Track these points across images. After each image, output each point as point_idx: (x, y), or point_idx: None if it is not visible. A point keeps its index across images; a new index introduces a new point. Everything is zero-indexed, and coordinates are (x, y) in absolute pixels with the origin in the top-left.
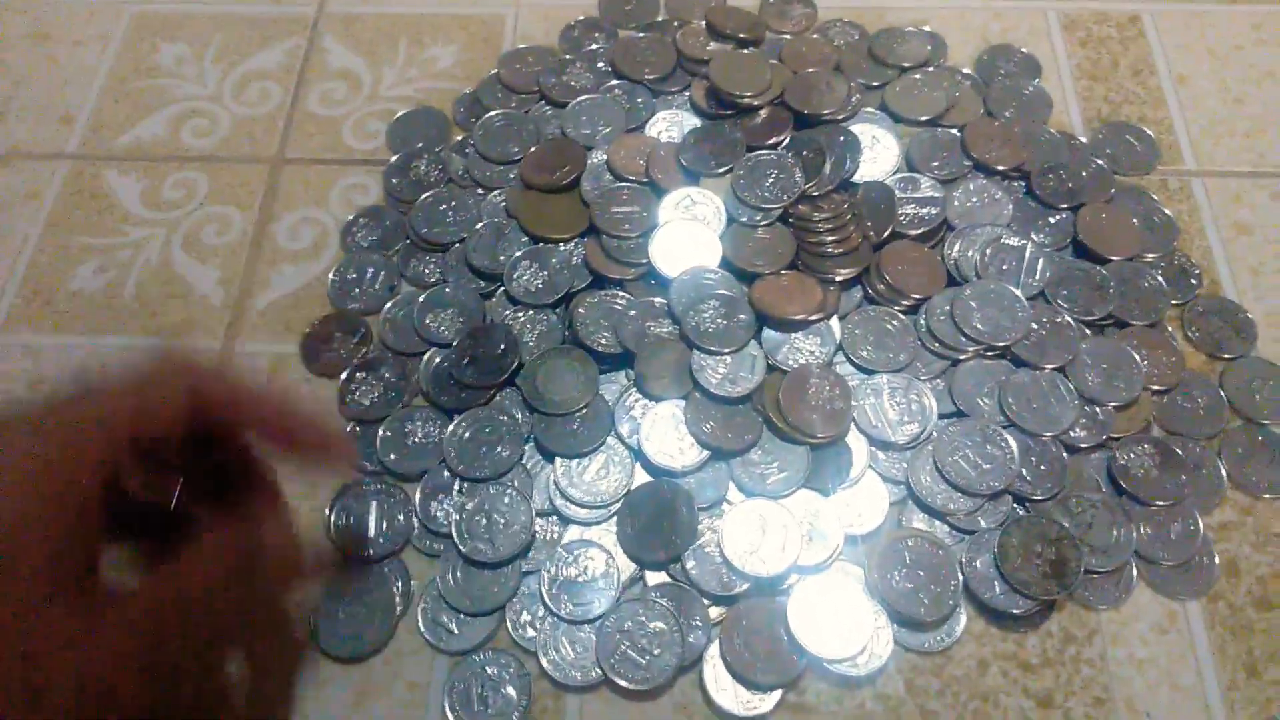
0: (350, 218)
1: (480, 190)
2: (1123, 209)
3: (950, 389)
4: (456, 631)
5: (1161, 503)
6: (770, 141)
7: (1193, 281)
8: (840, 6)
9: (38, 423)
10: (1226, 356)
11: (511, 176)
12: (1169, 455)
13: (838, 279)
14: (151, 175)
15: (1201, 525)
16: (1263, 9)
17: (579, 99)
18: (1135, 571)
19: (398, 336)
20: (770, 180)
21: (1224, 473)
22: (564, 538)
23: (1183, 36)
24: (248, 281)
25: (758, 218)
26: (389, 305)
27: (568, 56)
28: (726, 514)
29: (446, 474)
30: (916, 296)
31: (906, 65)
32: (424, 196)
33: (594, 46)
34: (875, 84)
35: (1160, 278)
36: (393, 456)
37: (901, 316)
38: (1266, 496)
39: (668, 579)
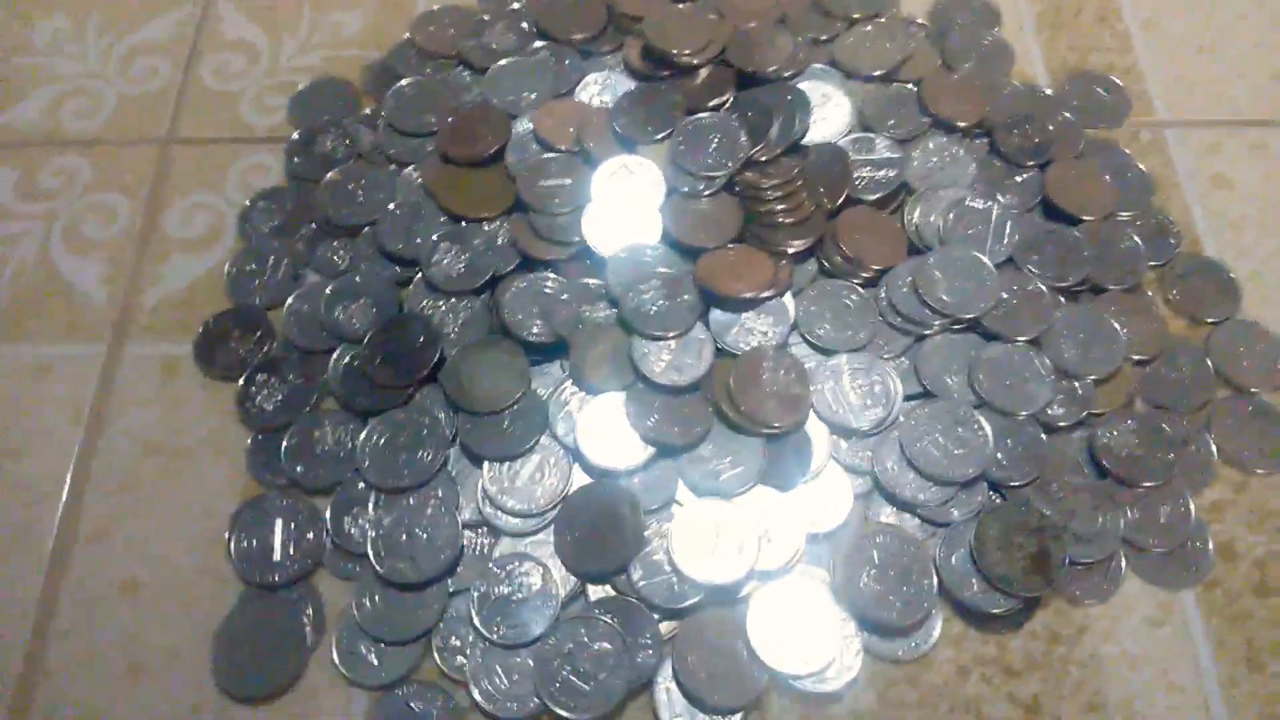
0: (248, 201)
1: (393, 166)
2: (1094, 165)
3: (916, 368)
4: (376, 663)
5: (1148, 484)
6: (712, 103)
7: (1171, 241)
8: None
9: None
10: (1210, 320)
11: (428, 150)
12: (1154, 431)
13: (790, 251)
14: (26, 162)
15: (1193, 507)
16: None
17: (500, 62)
18: (1124, 561)
19: (303, 332)
20: (713, 146)
21: (1214, 448)
22: (495, 551)
23: None
24: (136, 277)
25: (700, 187)
26: (293, 297)
27: (487, 17)
28: (675, 517)
29: (361, 485)
30: (876, 267)
31: (856, 16)
32: (330, 175)
33: (516, 5)
34: (823, 37)
35: (1137, 238)
36: (299, 468)
37: (860, 290)
38: (1260, 471)
39: (612, 592)
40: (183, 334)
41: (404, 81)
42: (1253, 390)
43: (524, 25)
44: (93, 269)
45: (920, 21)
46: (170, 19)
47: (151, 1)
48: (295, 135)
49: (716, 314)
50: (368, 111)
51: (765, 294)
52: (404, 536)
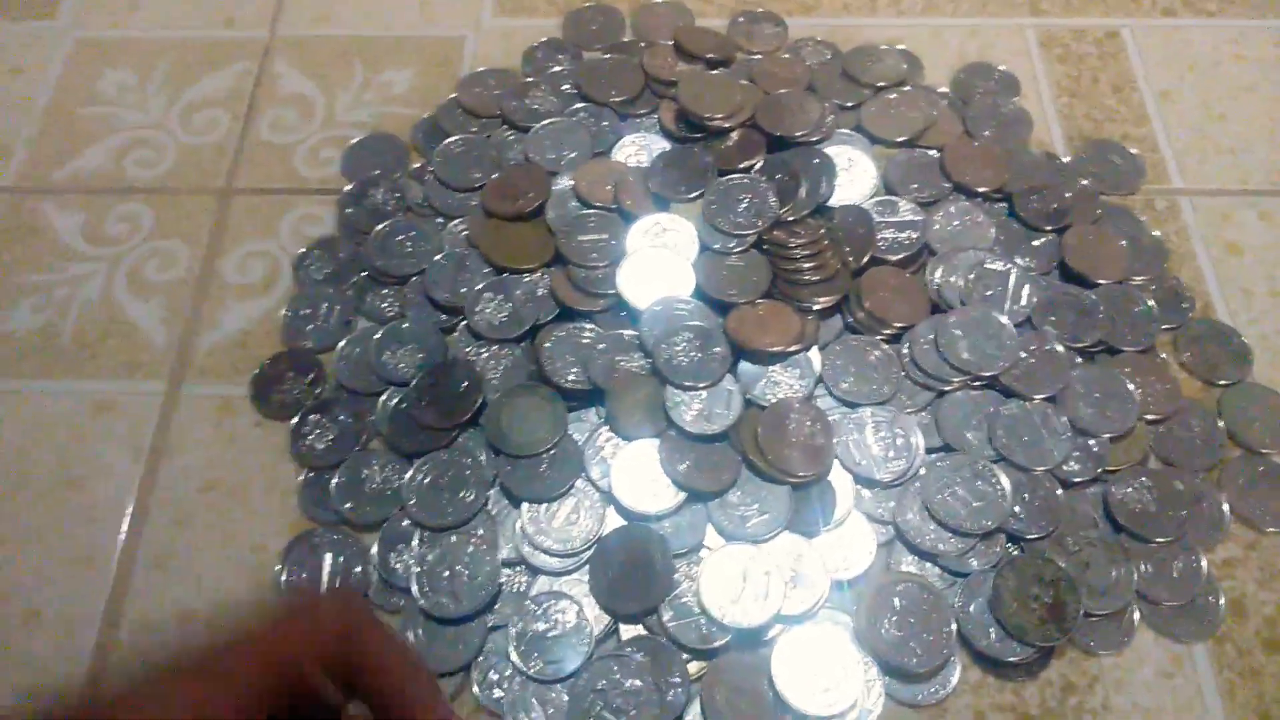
0: (302, 250)
1: (440, 219)
2: (1110, 230)
3: (937, 422)
4: None
5: (1161, 539)
6: (742, 165)
7: (1185, 305)
8: (811, 25)
9: (206, 667)
10: (1223, 383)
11: (473, 204)
12: (1167, 488)
13: (816, 307)
14: (93, 208)
15: (1204, 562)
16: (1240, 23)
17: (543, 122)
18: (1137, 613)
19: (353, 375)
20: (743, 205)
21: (1225, 506)
22: (532, 589)
23: (1163, 52)
24: (194, 319)
25: (731, 244)
26: (344, 342)
27: (530, 79)
28: (704, 560)
29: (406, 522)
30: (899, 325)
31: (881, 85)
32: (380, 227)
33: (558, 68)
34: (850, 104)
35: (1151, 301)
36: (348, 505)
37: (884, 346)
38: (1271, 530)
39: (644, 632)
40: (238, 375)
41: (451, 139)
42: (1263, 451)
43: (565, 88)
44: (153, 311)
45: (943, 90)
46: (229, 73)
47: (211, 57)
48: (347, 188)
49: (745, 366)
50: (416, 166)
51: (792, 348)
52: (446, 573)
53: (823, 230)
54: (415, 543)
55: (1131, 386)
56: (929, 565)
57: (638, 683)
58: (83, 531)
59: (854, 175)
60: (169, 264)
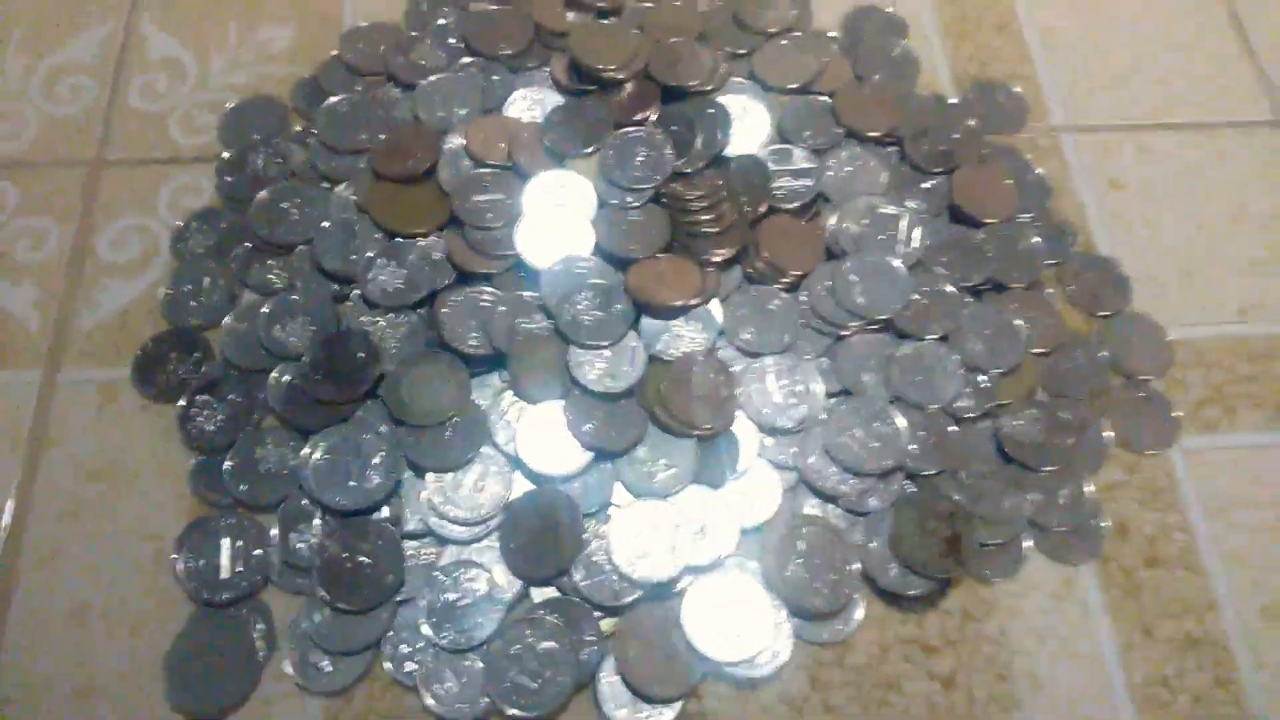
0: (181, 223)
1: (326, 184)
2: (995, 170)
3: (835, 366)
4: (330, 670)
5: (1049, 468)
6: (638, 117)
7: (1068, 240)
8: None
9: None
10: (1104, 314)
11: (360, 167)
12: (1054, 419)
13: (716, 260)
14: None
15: (1090, 487)
16: None
17: (430, 79)
18: (1028, 541)
19: (242, 351)
20: (640, 159)
21: (1107, 433)
22: (441, 559)
23: None
24: (69, 301)
25: (629, 199)
26: (230, 317)
27: (415, 33)
28: (613, 518)
29: (305, 501)
30: (796, 273)
31: (773, 30)
32: (262, 194)
33: (443, 21)
34: (741, 52)
35: (1036, 238)
36: (244, 487)
37: (783, 295)
38: (1150, 453)
39: (556, 594)
40: (119, 358)
41: (335, 99)
42: (1143, 378)
43: (451, 41)
44: (24, 294)
45: (833, 34)
46: (93, 37)
47: (73, 21)
48: (226, 155)
49: (647, 322)
50: (299, 129)
51: (694, 301)
52: (348, 565)
53: (719, 182)
54: (318, 525)
55: (1019, 322)
56: (832, 507)
57: (552, 645)
58: None
59: (748, 124)
60: (38, 243)
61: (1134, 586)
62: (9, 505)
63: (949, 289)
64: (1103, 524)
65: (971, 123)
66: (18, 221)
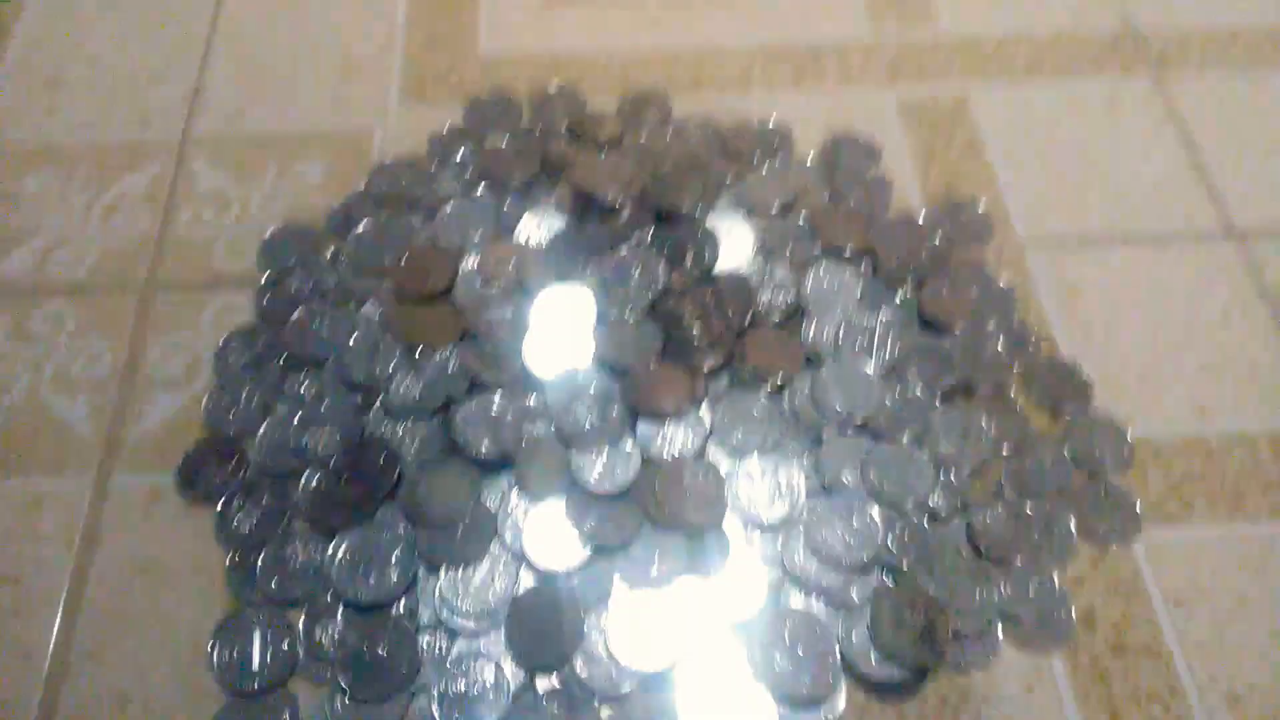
0: (222, 340)
1: (353, 303)
2: (962, 282)
3: (817, 465)
4: None
5: (1018, 562)
6: (633, 239)
7: (1031, 346)
8: (693, 102)
9: None
10: (1067, 417)
11: (384, 287)
12: (1021, 515)
13: (706, 368)
14: (17, 309)
15: (1057, 580)
16: (1071, 82)
17: (448, 206)
18: (1001, 632)
19: (274, 457)
20: (635, 277)
21: (1073, 527)
22: (452, 651)
23: (1005, 113)
24: (120, 413)
25: (626, 313)
26: (265, 426)
27: (435, 167)
28: (611, 610)
29: (329, 597)
30: (779, 379)
31: (757, 158)
32: (296, 313)
33: (461, 155)
34: (728, 179)
35: (1001, 344)
36: (273, 583)
37: (767, 399)
38: (1113, 546)
39: (558, 685)
40: (165, 464)
41: (362, 225)
42: (1106, 475)
43: (468, 175)
44: (79, 407)
45: (811, 159)
46: (147, 174)
47: (129, 158)
48: (264, 277)
49: (642, 426)
50: (330, 253)
51: (685, 406)
52: (366, 655)
53: (708, 296)
54: (339, 618)
55: (986, 423)
56: (815, 600)
57: None
58: (18, 626)
59: (733, 243)
60: (93, 361)
61: (1102, 673)
62: (61, 600)
63: (919, 393)
64: (1071, 614)
65: (939, 238)
66: (76, 341)
